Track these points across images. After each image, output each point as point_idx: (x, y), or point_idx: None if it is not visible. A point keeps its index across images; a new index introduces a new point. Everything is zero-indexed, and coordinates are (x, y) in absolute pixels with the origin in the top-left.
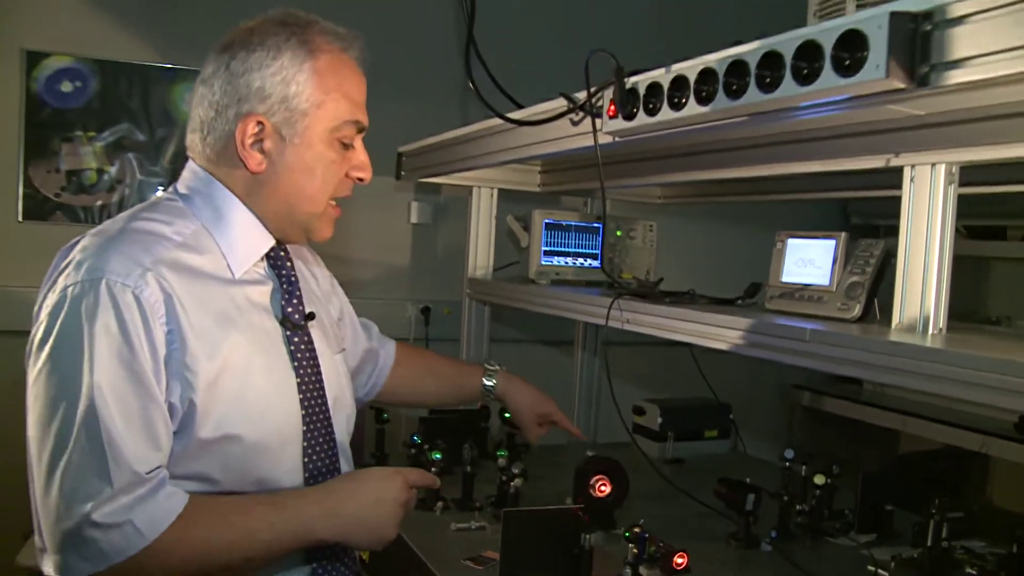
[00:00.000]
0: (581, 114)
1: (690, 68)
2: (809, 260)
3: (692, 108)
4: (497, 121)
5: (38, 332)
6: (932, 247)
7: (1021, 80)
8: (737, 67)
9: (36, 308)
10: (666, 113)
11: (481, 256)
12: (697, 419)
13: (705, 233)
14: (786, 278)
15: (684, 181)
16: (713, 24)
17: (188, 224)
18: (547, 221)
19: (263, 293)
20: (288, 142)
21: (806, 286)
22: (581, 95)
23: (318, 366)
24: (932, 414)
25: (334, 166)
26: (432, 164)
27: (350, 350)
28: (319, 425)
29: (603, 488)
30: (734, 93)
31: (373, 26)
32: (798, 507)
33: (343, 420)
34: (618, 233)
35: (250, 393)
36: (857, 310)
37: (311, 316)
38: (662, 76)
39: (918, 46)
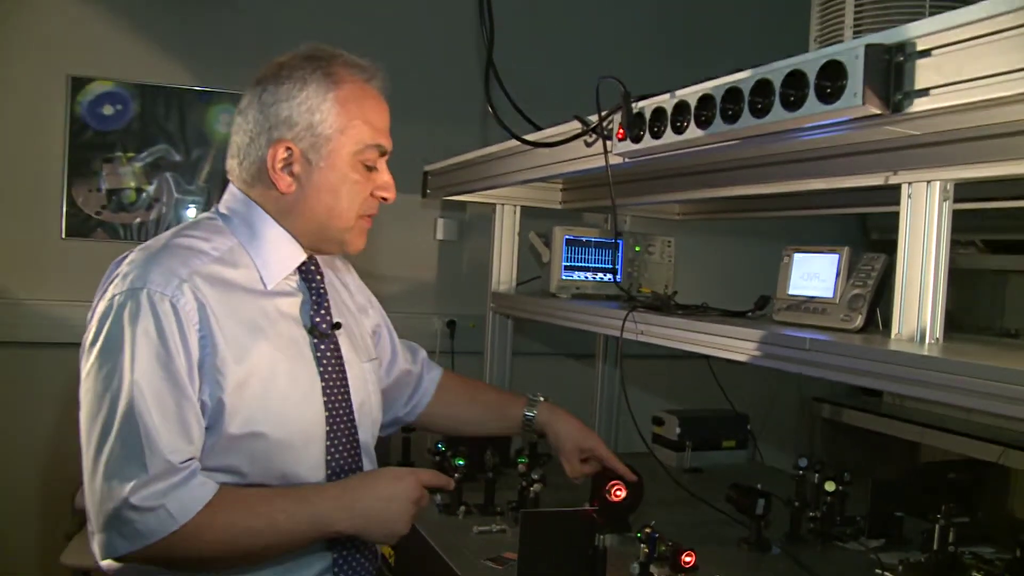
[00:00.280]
0: (593, 136)
1: (691, 94)
2: (814, 273)
3: (693, 132)
4: (516, 142)
5: (89, 335)
6: (928, 260)
7: (987, 106)
8: (732, 94)
9: (89, 314)
10: (669, 136)
11: (504, 271)
12: (715, 430)
13: (723, 248)
14: (792, 291)
15: (699, 199)
16: (718, 47)
17: (225, 241)
18: (568, 237)
19: (293, 304)
20: (315, 165)
21: (811, 298)
22: (594, 118)
23: (344, 372)
24: (951, 426)
25: (358, 187)
26: (456, 182)
27: (385, 367)
28: (343, 426)
29: (619, 493)
30: (730, 118)
31: (400, 53)
32: (810, 513)
33: (368, 423)
34: (637, 249)
35: (274, 395)
36: (859, 321)
37: (337, 326)
38: (666, 101)
39: (892, 75)
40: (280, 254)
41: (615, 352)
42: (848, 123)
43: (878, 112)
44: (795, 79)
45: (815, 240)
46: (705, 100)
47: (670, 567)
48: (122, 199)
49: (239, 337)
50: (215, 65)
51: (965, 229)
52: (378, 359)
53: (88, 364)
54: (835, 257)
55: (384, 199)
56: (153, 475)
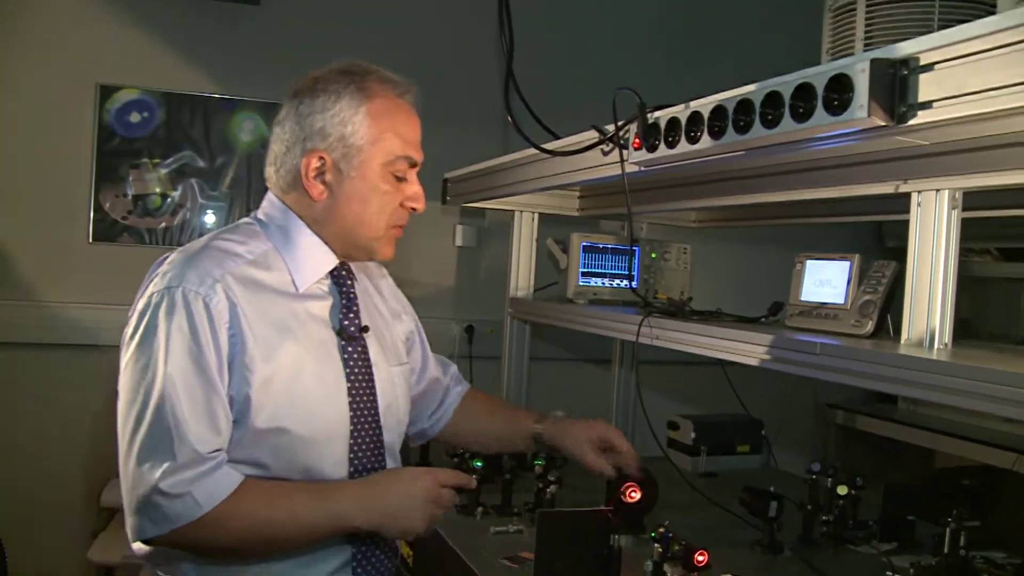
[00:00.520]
0: (610, 145)
1: (704, 105)
2: (826, 280)
3: (706, 141)
4: (534, 150)
5: (128, 330)
6: (937, 267)
7: (989, 118)
8: (744, 105)
9: (130, 311)
10: (683, 146)
11: (522, 277)
12: (730, 434)
13: (738, 256)
14: (805, 297)
15: (714, 206)
16: (732, 56)
17: (261, 245)
18: (585, 244)
19: (323, 307)
20: (346, 175)
21: (823, 304)
22: (611, 127)
23: (371, 374)
24: (966, 433)
25: (388, 196)
26: (476, 190)
27: (417, 374)
28: (367, 426)
29: (633, 495)
30: (741, 128)
31: (422, 63)
32: (823, 517)
33: (394, 425)
34: (653, 255)
35: (300, 393)
36: (870, 327)
37: (365, 329)
38: (680, 112)
39: (896, 88)
40: (312, 259)
41: (631, 357)
42: (855, 134)
43: (883, 124)
44: (804, 92)
45: (830, 247)
46: (718, 111)
47: (683, 566)
48: (148, 204)
49: (268, 336)
50: (239, 74)
51: (980, 237)
52: (409, 364)
53: (126, 357)
54: (847, 264)
55: (414, 209)
56: (182, 463)
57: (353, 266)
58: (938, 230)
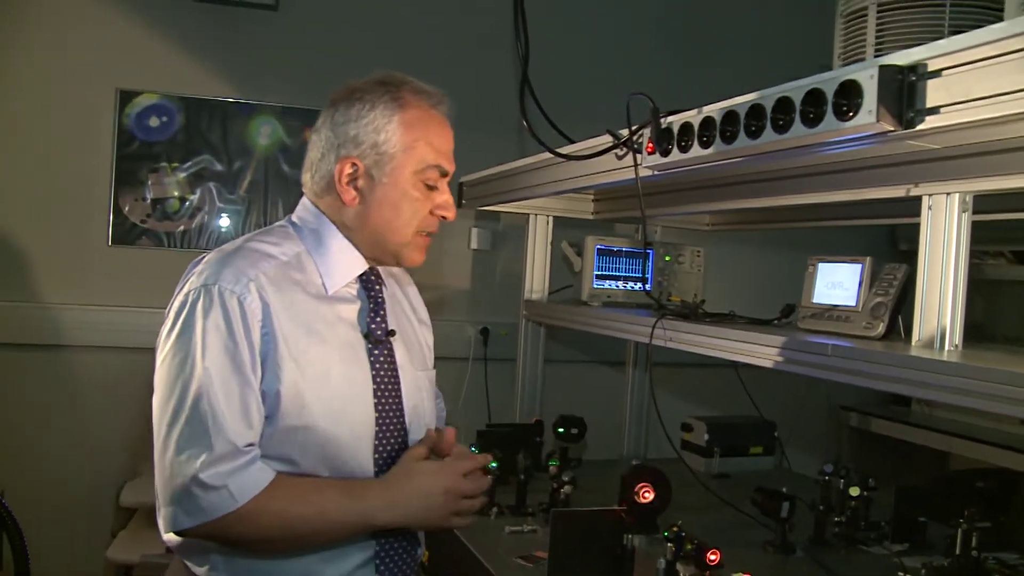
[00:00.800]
0: (624, 149)
1: (716, 111)
2: (838, 282)
3: (718, 146)
4: (549, 154)
5: (165, 326)
6: (948, 270)
7: (995, 123)
8: (755, 111)
9: (168, 307)
10: (696, 150)
11: (537, 280)
12: (743, 436)
13: (752, 259)
14: (817, 299)
15: (727, 209)
16: (744, 60)
17: (294, 247)
18: (599, 247)
19: (352, 310)
20: (377, 181)
21: (835, 306)
22: (625, 132)
23: (397, 377)
24: (980, 436)
25: (418, 204)
26: (491, 193)
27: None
28: (392, 426)
29: (647, 495)
30: (753, 133)
31: (437, 69)
32: (835, 518)
33: (419, 427)
34: (667, 258)
35: (327, 393)
36: (881, 328)
37: (392, 333)
38: (693, 117)
39: (904, 94)
40: (342, 263)
41: (645, 359)
42: (865, 138)
43: (891, 129)
44: (814, 97)
45: (843, 250)
46: (730, 116)
47: (695, 565)
48: (166, 208)
49: (298, 336)
50: (257, 78)
51: (994, 240)
52: (435, 371)
53: (163, 352)
54: (858, 267)
55: (444, 218)
56: (219, 454)
57: (382, 272)
58: (949, 233)
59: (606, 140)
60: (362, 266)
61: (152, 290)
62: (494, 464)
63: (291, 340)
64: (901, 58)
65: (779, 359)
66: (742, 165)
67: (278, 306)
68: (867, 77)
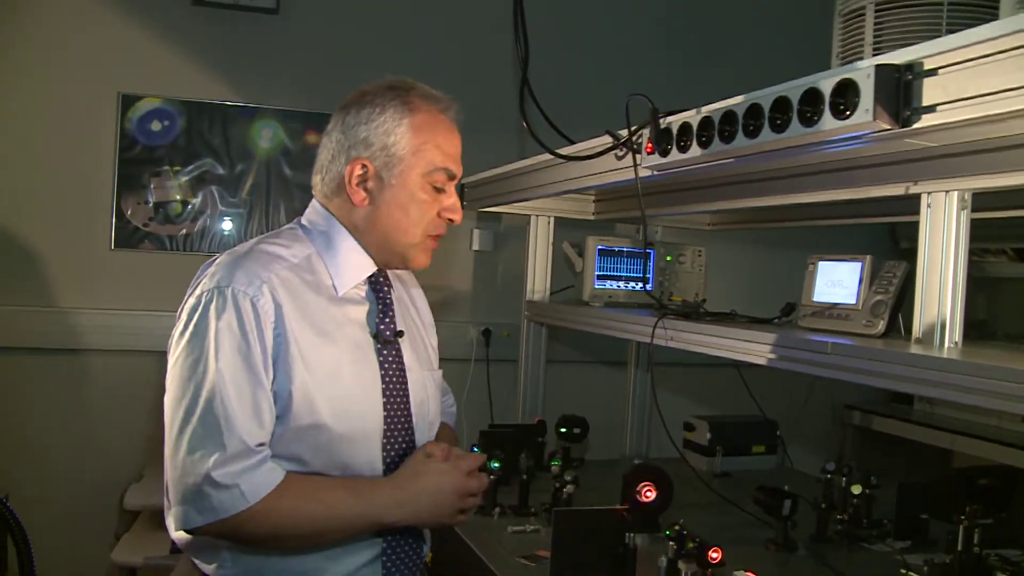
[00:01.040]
0: (624, 150)
1: (715, 111)
2: (838, 281)
3: (717, 146)
4: (550, 155)
5: (178, 327)
6: (947, 267)
7: (992, 121)
8: (754, 110)
9: (180, 308)
10: (695, 150)
11: (539, 280)
12: (745, 435)
13: (753, 258)
14: (817, 298)
15: (728, 209)
16: (744, 60)
17: (304, 249)
18: (600, 247)
19: (361, 311)
20: (387, 183)
21: (835, 305)
22: (624, 132)
23: (404, 377)
24: (983, 433)
25: (426, 206)
26: (492, 195)
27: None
28: (400, 426)
29: (648, 494)
30: (751, 133)
31: (438, 71)
32: (837, 516)
33: (425, 426)
34: (668, 258)
35: (337, 393)
36: (881, 326)
37: (400, 334)
38: (691, 117)
39: (901, 93)
40: (352, 264)
41: (647, 359)
42: (863, 137)
43: (888, 127)
44: (812, 97)
45: (845, 249)
46: (728, 116)
47: (697, 563)
48: (168, 211)
49: (309, 337)
50: (258, 82)
51: (995, 238)
52: (441, 371)
53: (176, 352)
54: (858, 265)
55: (451, 220)
56: (231, 454)
57: (389, 274)
58: (948, 230)
59: (606, 141)
60: (371, 268)
61: (155, 294)
62: (497, 464)
63: (302, 341)
64: (898, 57)
65: (779, 358)
66: (741, 165)
67: (290, 307)
68: (864, 76)
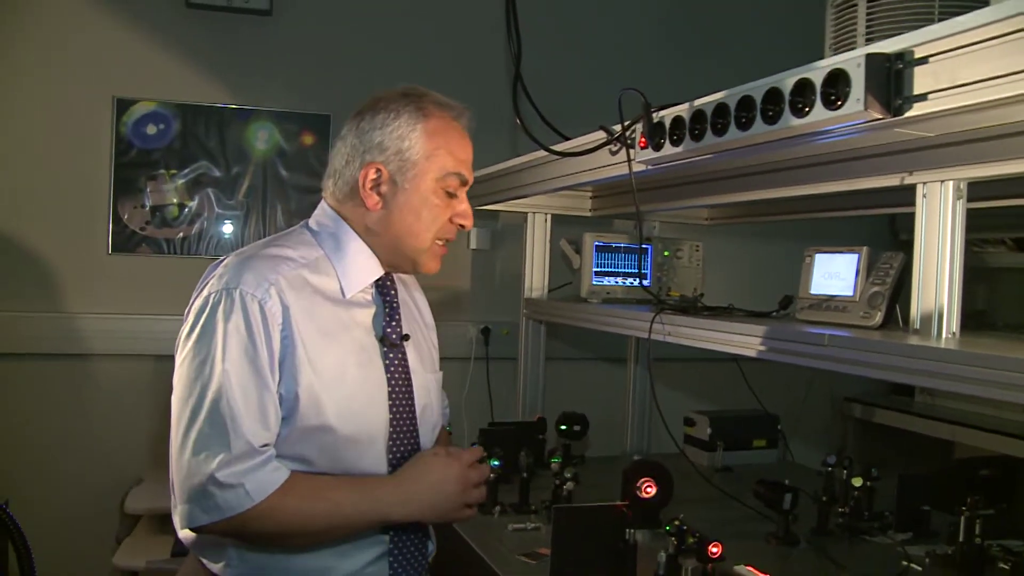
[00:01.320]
0: (617, 145)
1: (707, 104)
2: (835, 273)
3: (709, 139)
4: (544, 152)
5: (185, 328)
6: (944, 258)
7: (983, 108)
8: (745, 102)
9: (187, 309)
10: (688, 143)
11: (536, 278)
12: (746, 430)
13: (752, 252)
14: (814, 290)
15: (726, 203)
16: (740, 56)
17: (312, 251)
18: (598, 243)
19: (367, 314)
20: (400, 187)
21: (832, 297)
22: (618, 127)
23: (409, 380)
24: (984, 424)
25: (438, 210)
26: (487, 192)
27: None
28: (405, 428)
29: (649, 489)
30: (743, 125)
31: (431, 69)
32: (838, 509)
33: (428, 428)
34: (666, 253)
35: (343, 395)
36: (878, 318)
37: (406, 337)
38: (684, 111)
39: (892, 82)
40: (360, 267)
41: (646, 355)
42: (855, 127)
43: (879, 117)
44: (803, 87)
45: (844, 241)
46: (720, 109)
47: (697, 558)
48: (165, 215)
49: (316, 339)
50: (253, 84)
51: (994, 228)
52: (443, 373)
53: (183, 352)
54: (855, 256)
55: (462, 226)
56: (236, 454)
57: (394, 277)
58: (944, 220)
59: (600, 136)
60: (379, 271)
61: (153, 297)
62: (497, 462)
63: (309, 343)
64: (888, 46)
65: (776, 351)
66: (735, 157)
67: (297, 310)
68: (854, 66)
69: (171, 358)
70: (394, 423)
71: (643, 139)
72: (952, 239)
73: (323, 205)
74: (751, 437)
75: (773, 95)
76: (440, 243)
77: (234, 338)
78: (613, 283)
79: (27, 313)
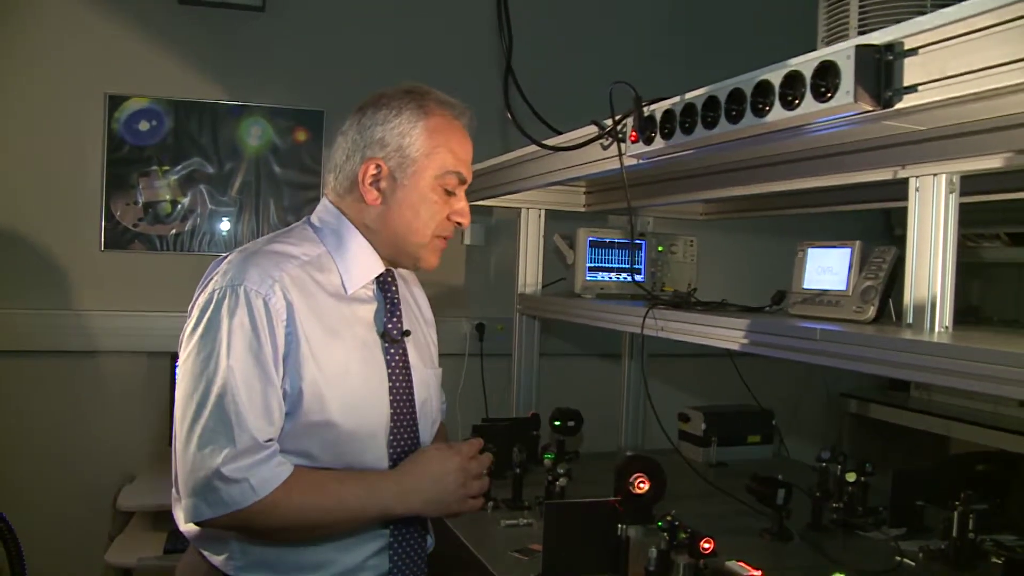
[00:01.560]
0: (609, 139)
1: (697, 97)
2: (827, 267)
3: (700, 132)
4: (536, 147)
5: (189, 324)
6: (936, 252)
7: (973, 100)
8: (735, 95)
9: (191, 305)
10: (679, 137)
11: (530, 273)
12: (740, 425)
13: (747, 247)
14: (807, 285)
15: (721, 198)
16: (733, 51)
17: (315, 248)
18: (591, 239)
19: (369, 311)
20: (399, 183)
21: (825, 291)
22: (609, 122)
23: (409, 375)
24: (979, 420)
25: (436, 207)
26: (480, 188)
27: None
28: (405, 423)
29: (642, 485)
30: (734, 118)
31: (421, 63)
32: (833, 504)
33: (428, 424)
34: (660, 248)
35: (345, 391)
36: (871, 312)
37: (407, 333)
38: (675, 104)
39: (882, 73)
40: (361, 263)
41: (640, 351)
42: (846, 119)
43: (869, 108)
44: (793, 80)
45: (840, 236)
46: (711, 102)
47: (689, 554)
48: (158, 211)
49: (319, 336)
50: (246, 80)
51: (989, 222)
52: (442, 369)
53: (188, 348)
54: (848, 251)
55: (459, 224)
56: (241, 449)
57: (395, 272)
58: (936, 214)
59: (591, 131)
60: (380, 267)
61: (146, 295)
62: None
63: (313, 339)
64: (878, 37)
65: (768, 345)
66: (726, 151)
67: (301, 306)
68: (844, 58)
69: (164, 355)
70: (395, 418)
71: (634, 133)
72: (945, 233)
73: (324, 201)
74: (745, 433)
75: (763, 88)
76: (439, 238)
77: (239, 334)
78: (607, 279)
79: (19, 310)
